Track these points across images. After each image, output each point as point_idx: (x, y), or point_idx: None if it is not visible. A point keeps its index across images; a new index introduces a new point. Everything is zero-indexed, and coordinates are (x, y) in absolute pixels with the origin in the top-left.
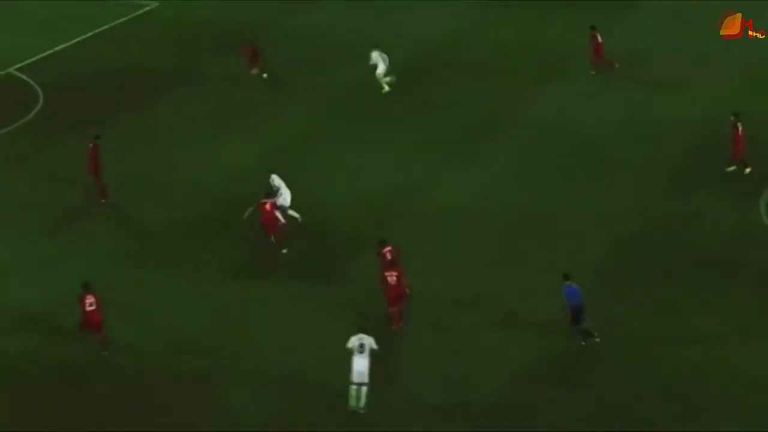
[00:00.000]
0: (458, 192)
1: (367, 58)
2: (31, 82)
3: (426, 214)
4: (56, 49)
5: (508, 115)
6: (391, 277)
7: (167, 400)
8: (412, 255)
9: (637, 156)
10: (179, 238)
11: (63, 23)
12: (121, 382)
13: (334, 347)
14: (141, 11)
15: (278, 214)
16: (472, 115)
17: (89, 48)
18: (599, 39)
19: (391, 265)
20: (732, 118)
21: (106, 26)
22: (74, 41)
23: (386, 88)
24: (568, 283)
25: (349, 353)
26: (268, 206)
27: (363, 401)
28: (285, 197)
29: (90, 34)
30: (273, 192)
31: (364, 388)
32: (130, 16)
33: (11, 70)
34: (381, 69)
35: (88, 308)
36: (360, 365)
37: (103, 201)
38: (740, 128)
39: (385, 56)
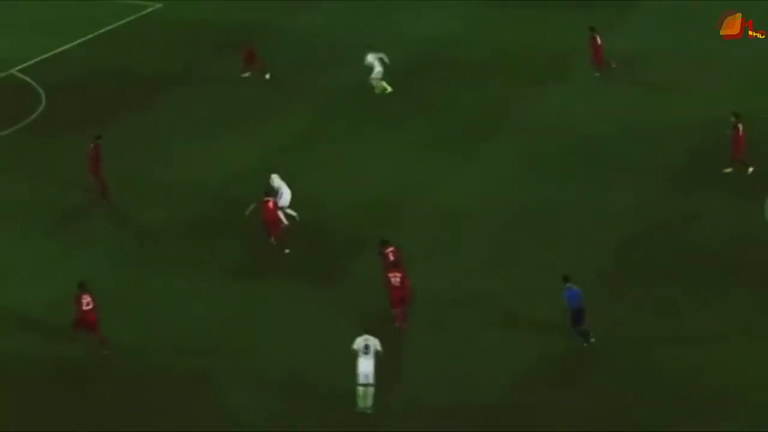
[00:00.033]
0: (458, 192)
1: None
2: (34, 84)
3: (426, 214)
4: (58, 50)
5: (508, 115)
6: (395, 278)
7: (167, 400)
8: (412, 255)
9: (637, 156)
10: (179, 238)
11: (64, 24)
12: (121, 382)
13: (334, 347)
14: (144, 12)
15: (281, 214)
16: (472, 115)
17: (90, 49)
18: (599, 41)
19: (395, 266)
20: (733, 119)
21: (108, 27)
22: (76, 42)
23: (388, 88)
24: (568, 285)
25: (354, 354)
26: (270, 204)
27: (371, 401)
28: (285, 197)
29: (91, 35)
30: (273, 191)
31: (371, 389)
32: (131, 17)
33: (14, 71)
34: (377, 71)
35: (85, 307)
36: (365, 367)
37: (104, 201)
38: (741, 129)
39: (383, 57)
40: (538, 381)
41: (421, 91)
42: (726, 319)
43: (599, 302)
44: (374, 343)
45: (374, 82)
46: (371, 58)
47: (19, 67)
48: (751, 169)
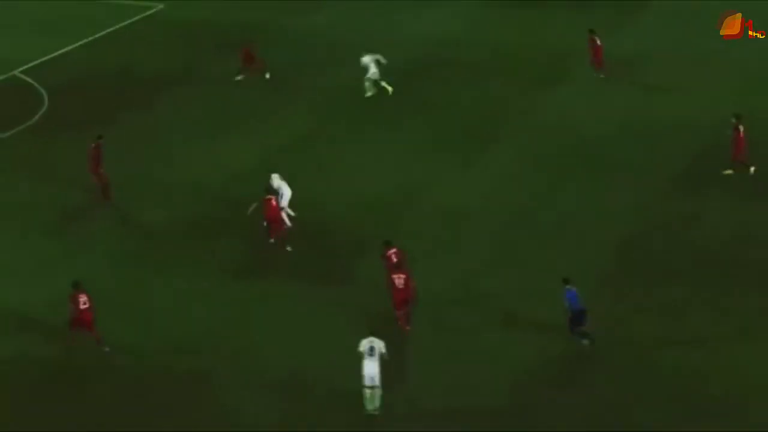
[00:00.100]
0: (458, 192)
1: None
2: (36, 85)
3: (426, 214)
4: (60, 51)
5: (508, 115)
6: (399, 279)
7: (167, 400)
8: (412, 255)
9: (637, 156)
10: (179, 238)
11: (65, 25)
12: (121, 382)
13: (334, 347)
14: (146, 13)
15: (283, 215)
16: (472, 115)
17: (92, 50)
18: (598, 42)
19: (398, 267)
20: (733, 120)
21: (109, 29)
22: (78, 44)
23: (389, 89)
24: (568, 287)
25: (358, 356)
26: (273, 202)
27: (378, 403)
28: (286, 197)
29: (92, 37)
30: (273, 191)
31: (378, 391)
32: (133, 19)
33: (16, 72)
34: (372, 72)
35: (82, 306)
36: (370, 369)
37: (106, 201)
38: (741, 130)
39: (380, 59)
40: (538, 381)
41: (421, 91)
42: (726, 320)
43: (600, 302)
44: (379, 345)
45: (367, 83)
46: (367, 59)
47: (21, 69)
48: (753, 169)
